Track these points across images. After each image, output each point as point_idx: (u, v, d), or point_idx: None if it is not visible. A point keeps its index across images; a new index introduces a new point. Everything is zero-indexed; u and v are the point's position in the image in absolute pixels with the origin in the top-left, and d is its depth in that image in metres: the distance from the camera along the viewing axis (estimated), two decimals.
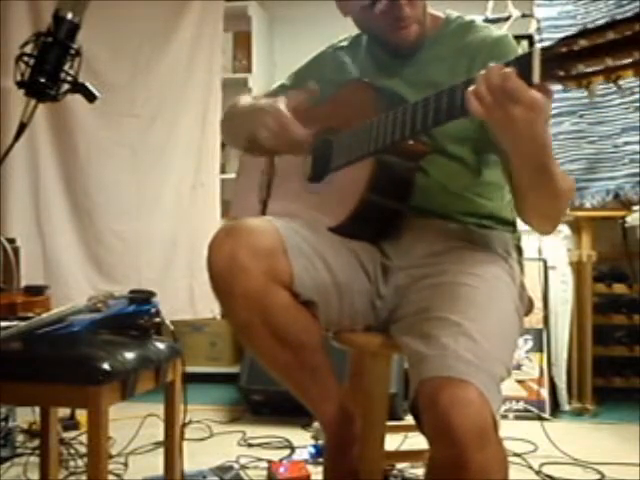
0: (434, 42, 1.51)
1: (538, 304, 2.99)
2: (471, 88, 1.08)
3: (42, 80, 1.54)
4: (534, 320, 3.07)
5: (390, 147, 1.33)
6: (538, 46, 1.04)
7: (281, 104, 1.43)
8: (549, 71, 1.02)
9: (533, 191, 1.24)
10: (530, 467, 2.38)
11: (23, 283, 2.29)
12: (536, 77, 1.03)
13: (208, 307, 3.44)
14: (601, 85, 1.00)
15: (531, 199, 1.27)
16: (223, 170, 3.63)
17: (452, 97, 1.17)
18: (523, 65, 1.04)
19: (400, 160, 1.39)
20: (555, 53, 1.01)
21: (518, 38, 2.96)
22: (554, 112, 3.13)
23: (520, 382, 3.08)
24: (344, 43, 1.66)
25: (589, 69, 0.98)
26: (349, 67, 1.60)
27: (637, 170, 3.04)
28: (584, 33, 0.99)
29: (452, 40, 1.50)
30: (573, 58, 0.99)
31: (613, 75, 0.97)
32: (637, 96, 2.93)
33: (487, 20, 3.08)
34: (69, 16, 1.55)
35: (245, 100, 1.68)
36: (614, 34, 0.96)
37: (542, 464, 2.40)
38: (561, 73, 1.01)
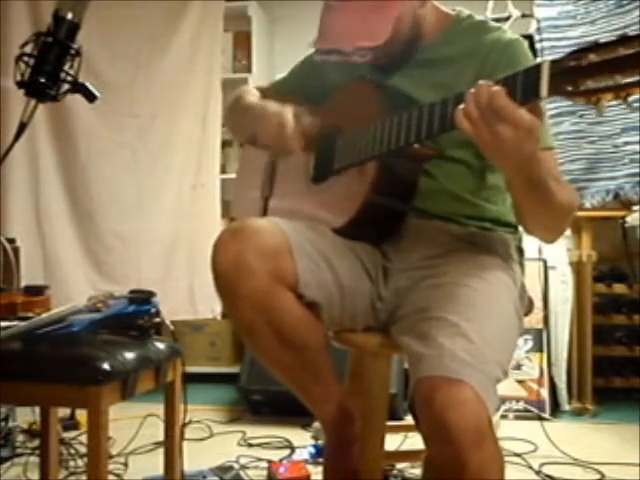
0: (443, 42, 1.49)
1: (538, 304, 2.98)
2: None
3: (42, 80, 1.54)
4: (534, 320, 3.07)
5: (394, 151, 1.33)
6: (547, 59, 1.02)
7: (288, 115, 1.46)
8: (557, 85, 1.01)
9: (530, 206, 1.24)
10: (530, 467, 2.38)
11: (23, 283, 2.29)
12: (544, 91, 1.02)
13: (208, 307, 3.45)
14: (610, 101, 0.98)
15: (529, 213, 1.28)
16: (223, 170, 3.63)
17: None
18: (531, 78, 1.03)
19: (405, 163, 1.39)
20: (564, 67, 1.00)
21: None
22: (554, 112, 3.13)
23: (520, 382, 3.08)
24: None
25: (598, 85, 0.97)
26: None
27: (637, 170, 3.04)
28: (594, 48, 0.97)
29: (462, 40, 1.47)
30: (582, 73, 0.98)
31: (623, 92, 0.96)
32: (637, 96, 2.93)
33: None
34: (69, 16, 1.55)
35: (252, 95, 1.68)
36: (625, 50, 0.94)
37: (542, 464, 2.39)
38: (569, 88, 1.00)
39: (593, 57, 0.97)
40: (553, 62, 1.01)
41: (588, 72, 0.98)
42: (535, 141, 1.08)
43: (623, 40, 0.95)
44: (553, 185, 1.19)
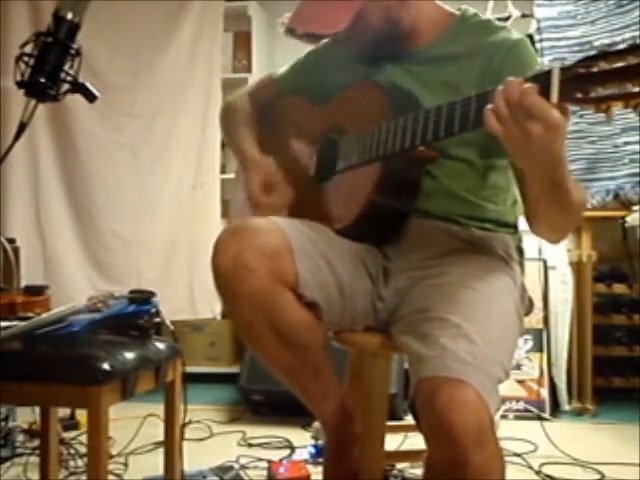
0: (448, 40, 1.48)
1: (538, 304, 2.99)
2: (490, 106, 1.06)
3: (42, 80, 1.54)
4: (534, 320, 3.07)
5: (401, 152, 1.32)
6: (557, 65, 1.01)
7: (255, 178, 1.57)
8: (567, 92, 1.00)
9: (546, 205, 1.23)
10: (530, 467, 2.38)
11: (23, 283, 2.29)
12: (554, 97, 1.01)
13: (208, 307, 3.45)
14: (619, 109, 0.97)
15: (543, 212, 1.27)
16: (223, 170, 3.63)
17: (465, 110, 1.16)
18: (541, 84, 1.02)
19: (408, 164, 1.39)
20: (574, 74, 0.99)
21: None
22: None
23: (520, 382, 3.08)
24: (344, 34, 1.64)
25: (608, 93, 0.96)
26: (348, 60, 1.56)
27: (637, 170, 3.04)
28: (604, 55, 0.96)
29: (467, 39, 1.46)
30: (592, 80, 0.97)
31: (633, 101, 0.95)
32: None
33: None
34: (69, 16, 1.55)
35: (241, 111, 1.71)
36: (635, 59, 0.93)
37: (542, 464, 2.40)
38: (579, 95, 0.98)
39: (603, 64, 0.96)
40: (563, 69, 1.00)
41: (598, 79, 0.96)
42: (563, 140, 1.07)
43: (634, 48, 0.94)
44: (571, 185, 1.19)
